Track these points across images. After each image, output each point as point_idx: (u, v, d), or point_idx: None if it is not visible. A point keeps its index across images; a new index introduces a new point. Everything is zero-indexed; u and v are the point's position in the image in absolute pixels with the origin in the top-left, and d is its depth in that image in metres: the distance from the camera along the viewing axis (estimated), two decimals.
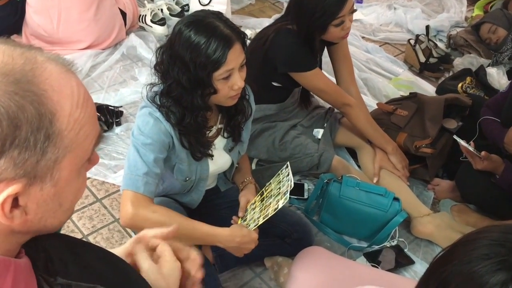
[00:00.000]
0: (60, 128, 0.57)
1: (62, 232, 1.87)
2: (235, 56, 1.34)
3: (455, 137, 1.94)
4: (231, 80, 1.37)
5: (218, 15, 1.38)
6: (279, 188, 1.53)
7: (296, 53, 1.90)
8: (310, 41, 1.91)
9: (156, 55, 1.42)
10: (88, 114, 0.61)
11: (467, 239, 0.80)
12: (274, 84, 2.02)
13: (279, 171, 1.61)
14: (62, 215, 0.64)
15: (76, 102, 0.59)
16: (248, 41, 3.03)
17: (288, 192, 1.45)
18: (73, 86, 0.60)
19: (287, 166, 1.58)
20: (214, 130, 1.54)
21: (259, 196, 1.62)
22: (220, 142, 1.57)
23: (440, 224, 1.93)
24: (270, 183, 1.62)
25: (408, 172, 2.09)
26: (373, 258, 1.85)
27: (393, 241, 1.92)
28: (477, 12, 3.43)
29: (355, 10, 1.91)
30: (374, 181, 2.05)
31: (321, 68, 2.08)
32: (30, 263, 0.65)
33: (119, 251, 0.89)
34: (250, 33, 3.01)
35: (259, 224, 1.48)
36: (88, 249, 0.77)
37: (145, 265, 0.83)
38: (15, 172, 0.55)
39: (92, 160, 0.66)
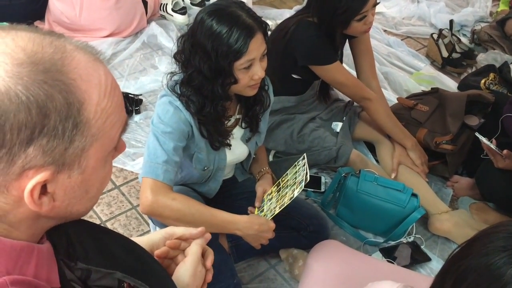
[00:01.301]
0: (88, 117, 0.58)
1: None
2: (257, 46, 1.34)
3: (476, 134, 1.91)
4: (252, 70, 1.36)
5: (240, 4, 1.37)
6: (295, 178, 1.53)
7: (316, 46, 1.89)
8: (331, 35, 1.89)
9: (177, 44, 1.42)
10: (115, 103, 0.61)
11: (484, 233, 0.80)
12: (294, 76, 2.01)
13: (296, 162, 1.61)
14: (88, 202, 0.65)
15: (103, 91, 0.60)
16: (269, 32, 3.03)
17: (304, 181, 1.45)
18: (101, 75, 0.60)
19: (303, 158, 1.58)
20: (232, 120, 1.55)
21: (276, 187, 1.62)
22: (238, 132, 1.58)
23: (458, 222, 1.91)
24: (287, 173, 1.62)
25: (427, 169, 2.07)
26: (389, 254, 1.84)
27: (409, 237, 1.91)
28: (502, 7, 3.36)
29: (378, 3, 1.89)
30: (392, 176, 2.04)
31: (341, 62, 2.06)
32: (51, 248, 0.66)
33: (144, 240, 0.91)
34: (270, 24, 2.99)
35: (275, 213, 1.48)
36: (109, 236, 0.78)
37: (197, 255, 0.88)
38: (43, 160, 0.55)
39: (118, 148, 0.66)
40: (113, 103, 0.61)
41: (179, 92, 1.41)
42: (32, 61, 0.54)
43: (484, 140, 1.85)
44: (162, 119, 1.40)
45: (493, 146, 1.82)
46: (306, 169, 1.50)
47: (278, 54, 1.91)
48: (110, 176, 0.68)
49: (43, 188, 0.58)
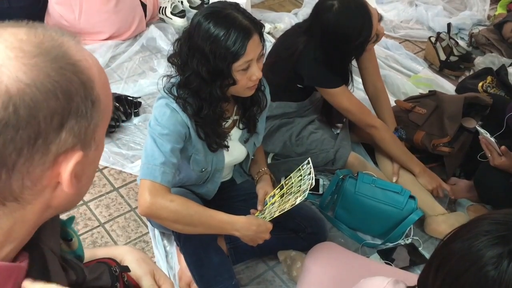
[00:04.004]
0: (98, 93, 0.60)
1: (78, 220, 1.91)
2: (254, 47, 1.35)
3: (477, 126, 1.91)
4: (249, 71, 1.37)
5: (236, 6, 1.38)
6: (300, 185, 1.53)
7: (322, 70, 1.88)
8: (345, 65, 1.91)
9: (173, 47, 1.43)
10: (107, 78, 0.64)
11: (471, 221, 0.84)
12: (299, 85, 2.02)
13: (300, 166, 1.60)
14: (90, 182, 0.67)
15: (98, 68, 0.62)
16: (268, 35, 3.02)
17: (307, 191, 1.46)
18: (89, 55, 0.62)
19: (308, 162, 1.57)
20: (230, 121, 1.55)
21: (279, 190, 1.62)
22: (235, 133, 1.59)
23: (454, 224, 1.91)
24: (291, 177, 1.62)
25: (442, 193, 2.03)
26: (387, 256, 1.85)
27: (407, 239, 1.91)
28: (500, 10, 3.38)
29: (381, 18, 1.91)
30: (394, 180, 2.04)
31: (351, 81, 2.03)
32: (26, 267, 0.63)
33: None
34: (269, 27, 3.00)
35: (274, 216, 1.49)
36: None
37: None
38: (73, 142, 0.57)
39: None
40: (106, 79, 0.63)
41: (176, 94, 1.42)
42: (42, 51, 0.56)
43: (484, 133, 1.84)
44: (159, 121, 1.41)
45: (493, 139, 1.82)
46: (312, 177, 1.49)
47: (285, 71, 1.92)
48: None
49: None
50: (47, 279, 0.65)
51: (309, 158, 1.60)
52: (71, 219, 0.78)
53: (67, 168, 0.58)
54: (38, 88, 0.54)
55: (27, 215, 0.60)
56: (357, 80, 2.25)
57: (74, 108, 0.57)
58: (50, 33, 0.60)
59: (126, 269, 0.86)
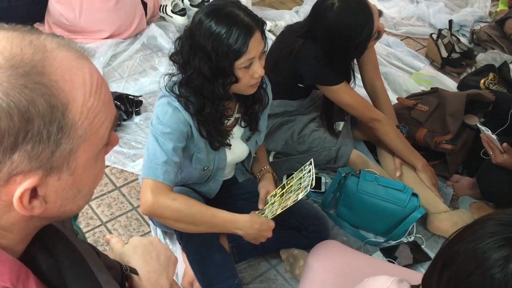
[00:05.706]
0: (73, 119, 0.56)
1: (80, 219, 1.90)
2: (256, 44, 1.34)
3: (478, 124, 1.90)
4: (252, 69, 1.37)
5: (237, 3, 1.38)
6: (300, 183, 1.53)
7: (321, 67, 1.87)
8: (347, 64, 1.90)
9: (175, 46, 1.42)
10: (102, 101, 0.59)
11: (476, 221, 0.83)
12: (299, 85, 2.01)
13: (302, 167, 1.60)
14: (81, 200, 0.64)
15: (89, 91, 0.58)
16: (268, 33, 3.01)
17: (309, 186, 1.45)
18: (85, 74, 0.58)
19: (311, 163, 1.56)
20: (232, 119, 1.55)
21: (280, 189, 1.61)
22: (237, 132, 1.58)
23: (457, 222, 1.91)
24: (293, 177, 1.61)
25: (437, 192, 2.02)
26: (390, 254, 1.84)
27: (410, 237, 1.91)
28: (501, 7, 3.37)
29: (381, 14, 1.89)
30: (397, 175, 2.03)
31: (354, 78, 2.02)
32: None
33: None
34: (270, 25, 3.00)
35: (276, 214, 1.48)
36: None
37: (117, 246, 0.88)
38: (30, 165, 0.54)
39: (111, 142, 0.64)
40: (100, 101, 0.59)
41: (177, 93, 1.41)
42: (11, 65, 0.53)
43: (485, 130, 1.82)
44: (161, 120, 1.40)
45: (494, 136, 1.81)
46: (312, 175, 1.49)
47: (284, 71, 1.91)
48: (103, 172, 0.66)
49: (33, 192, 0.56)
50: None
51: (312, 159, 1.58)
52: (75, 215, 0.77)
53: (16, 192, 0.55)
54: None
55: (5, 225, 0.58)
56: (358, 77, 2.24)
57: (34, 131, 0.53)
58: (39, 43, 0.56)
59: (135, 272, 0.84)
